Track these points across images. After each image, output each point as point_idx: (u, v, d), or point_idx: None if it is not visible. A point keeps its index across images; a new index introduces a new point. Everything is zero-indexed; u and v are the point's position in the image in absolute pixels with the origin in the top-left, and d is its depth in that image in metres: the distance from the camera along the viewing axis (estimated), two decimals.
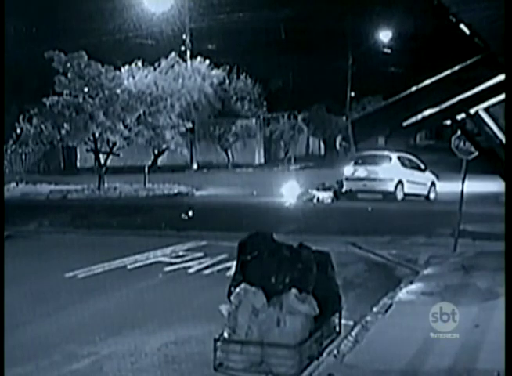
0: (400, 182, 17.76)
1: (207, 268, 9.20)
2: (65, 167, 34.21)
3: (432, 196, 18.77)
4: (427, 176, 18.90)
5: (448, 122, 4.34)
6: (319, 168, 30.37)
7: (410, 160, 18.75)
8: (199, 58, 31.31)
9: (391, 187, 17.64)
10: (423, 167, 18.74)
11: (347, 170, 18.36)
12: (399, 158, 18.44)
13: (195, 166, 33.34)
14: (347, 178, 18.13)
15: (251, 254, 4.79)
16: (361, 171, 18.00)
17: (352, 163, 18.57)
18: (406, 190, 17.86)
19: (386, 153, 18.86)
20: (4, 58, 19.54)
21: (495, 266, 7.55)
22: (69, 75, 21.40)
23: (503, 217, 3.46)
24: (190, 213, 14.61)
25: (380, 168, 17.89)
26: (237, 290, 4.67)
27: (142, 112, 22.46)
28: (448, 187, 17.56)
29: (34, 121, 21.64)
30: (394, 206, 17.07)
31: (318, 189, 17.92)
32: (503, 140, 3.96)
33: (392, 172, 17.79)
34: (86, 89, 21.61)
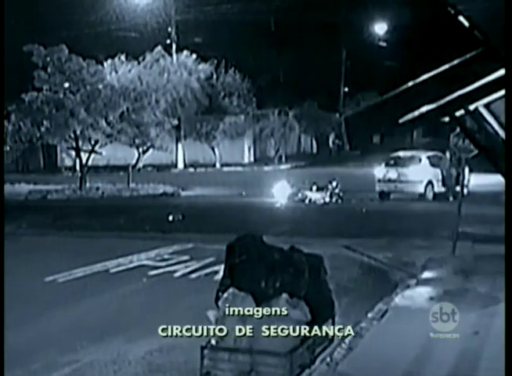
0: (430, 182, 18.21)
1: (193, 272, 9.08)
2: (45, 166, 33.92)
3: (465, 190, 19.04)
4: None
5: (447, 119, 4.25)
6: (311, 167, 30.26)
7: (441, 159, 18.96)
8: (185, 52, 31.11)
9: (420, 189, 18.06)
10: None
11: (379, 171, 18.76)
12: (429, 158, 18.79)
13: (181, 165, 33.14)
14: (379, 180, 18.55)
15: (240, 257, 4.74)
16: (392, 173, 18.40)
17: (383, 164, 18.94)
18: (437, 190, 18.24)
19: (416, 153, 19.36)
20: (4, 58, 19.21)
21: (494, 270, 7.42)
22: (49, 70, 21.09)
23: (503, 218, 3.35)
24: (178, 217, 14.42)
25: (410, 170, 18.30)
26: (225, 295, 4.62)
27: (125, 108, 22.24)
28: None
29: (12, 117, 21.37)
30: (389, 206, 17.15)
31: (310, 190, 17.76)
32: (504, 138, 3.86)
33: (422, 173, 18.20)
34: (67, 84, 21.32)
